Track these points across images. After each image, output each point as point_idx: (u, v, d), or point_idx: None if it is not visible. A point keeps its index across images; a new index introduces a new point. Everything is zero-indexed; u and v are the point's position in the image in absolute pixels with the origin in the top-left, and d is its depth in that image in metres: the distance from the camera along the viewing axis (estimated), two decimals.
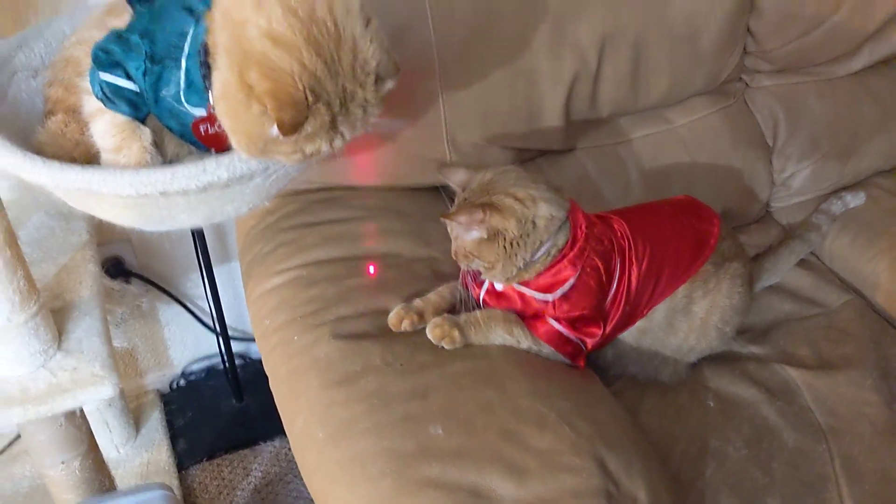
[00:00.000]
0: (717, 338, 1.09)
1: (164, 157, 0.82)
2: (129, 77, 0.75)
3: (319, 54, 0.69)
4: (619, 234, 1.00)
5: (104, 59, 0.76)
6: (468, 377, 0.91)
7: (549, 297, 0.95)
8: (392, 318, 0.95)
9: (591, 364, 1.05)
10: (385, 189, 1.18)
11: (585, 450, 0.83)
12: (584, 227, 0.94)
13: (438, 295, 0.98)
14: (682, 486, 0.98)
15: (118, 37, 0.76)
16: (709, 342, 1.09)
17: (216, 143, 0.77)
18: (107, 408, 1.46)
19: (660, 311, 1.04)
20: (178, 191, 0.73)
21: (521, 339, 0.96)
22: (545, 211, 0.91)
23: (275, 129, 0.69)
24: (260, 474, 1.55)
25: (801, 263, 1.32)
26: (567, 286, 0.94)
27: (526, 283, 0.95)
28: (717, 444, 1.03)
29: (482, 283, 0.99)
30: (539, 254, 0.92)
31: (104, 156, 0.79)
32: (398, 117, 0.76)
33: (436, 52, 1.10)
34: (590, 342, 0.98)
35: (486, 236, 0.90)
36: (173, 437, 1.59)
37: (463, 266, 0.96)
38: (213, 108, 0.74)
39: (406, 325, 0.94)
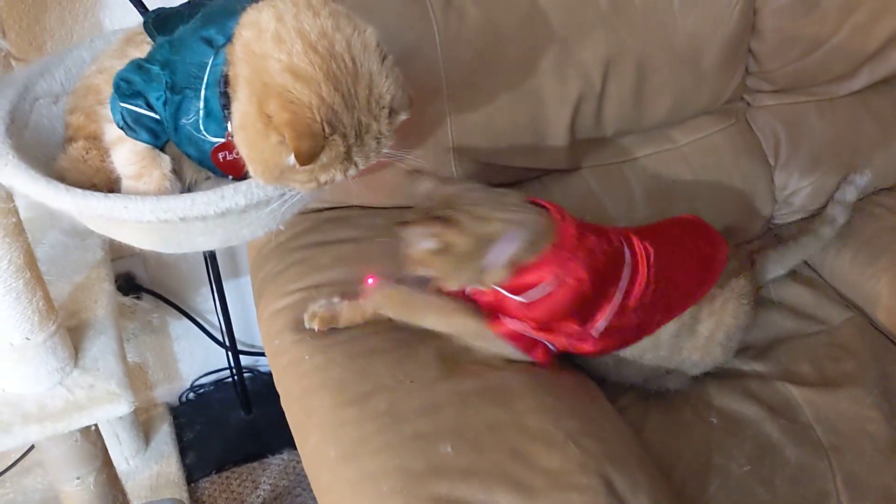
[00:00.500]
0: (721, 354, 1.11)
1: (182, 182, 0.84)
2: (149, 106, 0.78)
3: (337, 89, 0.71)
4: (636, 248, 1.02)
5: (126, 88, 0.78)
6: (477, 395, 0.92)
7: (519, 298, 0.95)
8: (308, 313, 0.98)
9: (593, 375, 1.08)
10: (394, 208, 1.20)
11: (592, 469, 0.85)
12: (572, 238, 0.96)
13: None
14: (686, 503, 1.00)
15: (139, 67, 0.78)
16: (713, 358, 1.11)
17: (234, 170, 0.80)
18: (117, 420, 1.48)
19: (664, 331, 1.06)
20: (196, 216, 0.75)
21: (465, 331, 0.97)
22: (496, 230, 0.92)
23: (292, 159, 0.71)
24: (269, 487, 1.56)
25: (803, 280, 1.34)
26: (542, 291, 0.95)
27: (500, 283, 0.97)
28: (721, 461, 1.04)
29: None
30: (491, 266, 0.93)
31: (125, 182, 0.81)
32: (408, 146, 0.78)
33: (443, 73, 1.12)
34: (555, 341, 0.99)
35: (438, 248, 0.91)
36: (182, 450, 1.61)
37: (412, 272, 0.96)
38: (232, 137, 0.76)
39: (315, 324, 0.97)
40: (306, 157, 0.70)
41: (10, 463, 1.42)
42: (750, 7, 1.27)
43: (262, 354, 1.66)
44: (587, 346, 1.01)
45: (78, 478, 1.12)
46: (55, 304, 1.01)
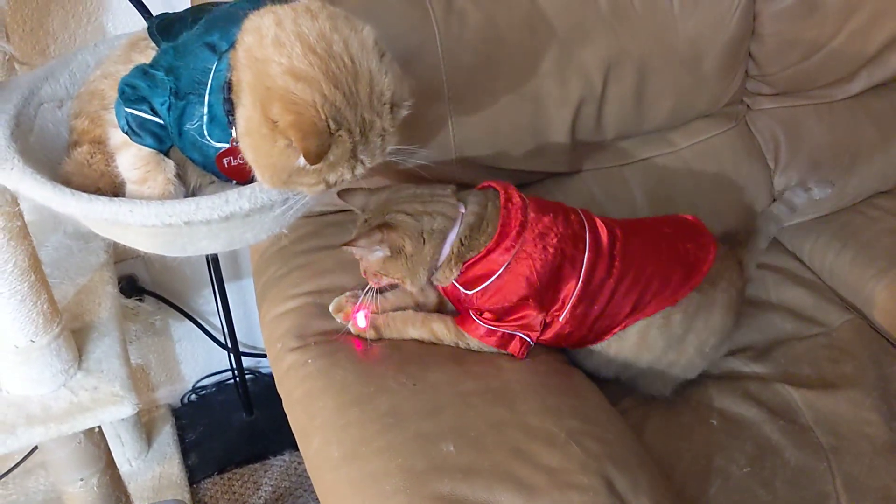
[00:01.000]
0: (696, 355, 1.11)
1: (186, 187, 0.84)
2: (154, 112, 0.78)
3: (338, 87, 0.72)
4: (597, 226, 1.04)
5: (131, 94, 0.78)
6: (479, 396, 0.93)
7: (470, 291, 0.99)
8: (333, 305, 1.03)
9: (594, 377, 1.08)
10: None
11: (593, 469, 0.85)
12: (517, 222, 0.98)
13: (394, 295, 1.06)
14: None
15: (144, 72, 0.79)
16: (688, 359, 1.10)
17: (238, 175, 0.80)
18: (119, 422, 1.49)
19: (633, 328, 1.06)
20: (201, 220, 0.76)
21: (444, 337, 1.02)
22: (436, 223, 0.96)
23: (301, 160, 0.71)
24: (270, 488, 1.57)
25: (802, 282, 1.34)
26: (491, 279, 0.98)
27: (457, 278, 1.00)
28: (721, 463, 1.05)
29: None
30: (441, 259, 0.97)
31: (129, 187, 0.82)
32: (411, 145, 0.79)
33: (445, 76, 1.13)
34: (529, 334, 1.00)
35: (388, 254, 0.95)
36: (184, 451, 1.61)
37: (374, 283, 1.00)
38: (237, 143, 0.77)
39: (340, 318, 1.02)
40: (314, 156, 0.71)
41: (12, 464, 1.42)
42: (750, 11, 1.28)
43: (264, 356, 1.67)
44: (554, 328, 1.02)
45: (81, 479, 1.13)
46: (59, 307, 1.02)
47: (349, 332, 1.02)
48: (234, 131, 0.76)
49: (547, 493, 0.82)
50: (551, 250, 0.98)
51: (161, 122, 0.79)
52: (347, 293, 1.05)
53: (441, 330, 1.02)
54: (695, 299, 1.08)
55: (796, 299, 1.31)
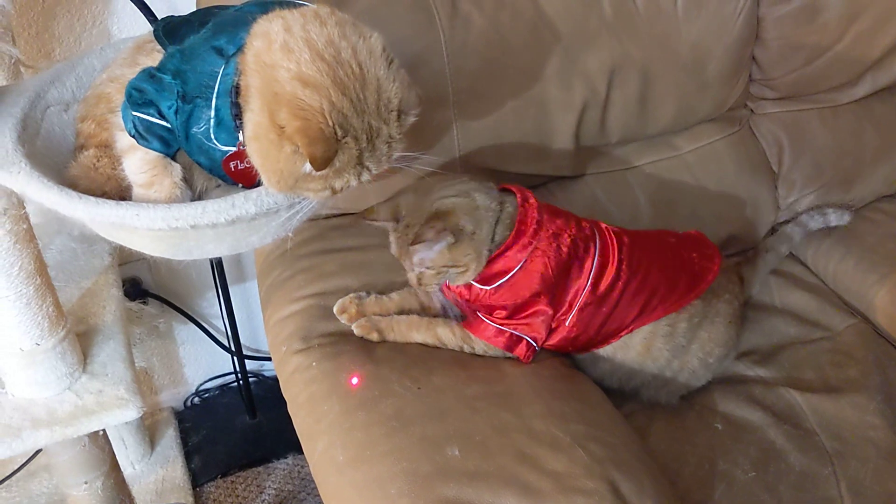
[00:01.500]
0: (700, 366, 1.11)
1: (192, 190, 0.84)
2: (160, 115, 0.78)
3: (346, 94, 0.72)
4: (605, 233, 1.04)
5: (137, 97, 0.78)
6: (484, 400, 0.94)
7: (487, 287, 0.99)
8: (338, 307, 1.03)
9: (599, 383, 1.08)
10: None
11: (598, 473, 0.85)
12: (534, 220, 0.98)
13: (399, 296, 1.07)
14: None
15: (151, 76, 0.79)
16: (692, 369, 1.11)
17: (245, 179, 0.80)
18: (123, 425, 1.49)
19: (639, 334, 1.06)
20: (207, 224, 0.76)
21: (449, 341, 1.02)
22: (480, 198, 0.97)
23: (307, 166, 0.72)
24: (273, 492, 1.57)
25: (806, 286, 1.34)
26: (509, 275, 0.98)
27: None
28: (726, 467, 1.05)
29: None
30: (497, 235, 0.97)
31: (136, 191, 0.82)
32: (416, 150, 0.79)
33: (450, 81, 1.13)
34: (536, 338, 1.00)
35: (453, 241, 0.94)
36: (188, 454, 1.61)
37: (430, 288, 1.00)
38: (244, 147, 0.77)
39: (344, 319, 1.03)
40: (321, 162, 0.71)
41: (15, 467, 1.42)
42: (753, 15, 1.28)
43: (268, 359, 1.67)
44: (561, 333, 1.02)
45: (86, 482, 1.13)
46: (64, 310, 1.02)
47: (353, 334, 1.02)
48: (241, 135, 0.76)
49: (552, 497, 0.82)
50: (565, 249, 0.99)
51: (168, 125, 0.79)
52: (351, 295, 1.05)
53: (446, 334, 1.02)
54: (699, 309, 1.08)
55: (800, 303, 1.31)
